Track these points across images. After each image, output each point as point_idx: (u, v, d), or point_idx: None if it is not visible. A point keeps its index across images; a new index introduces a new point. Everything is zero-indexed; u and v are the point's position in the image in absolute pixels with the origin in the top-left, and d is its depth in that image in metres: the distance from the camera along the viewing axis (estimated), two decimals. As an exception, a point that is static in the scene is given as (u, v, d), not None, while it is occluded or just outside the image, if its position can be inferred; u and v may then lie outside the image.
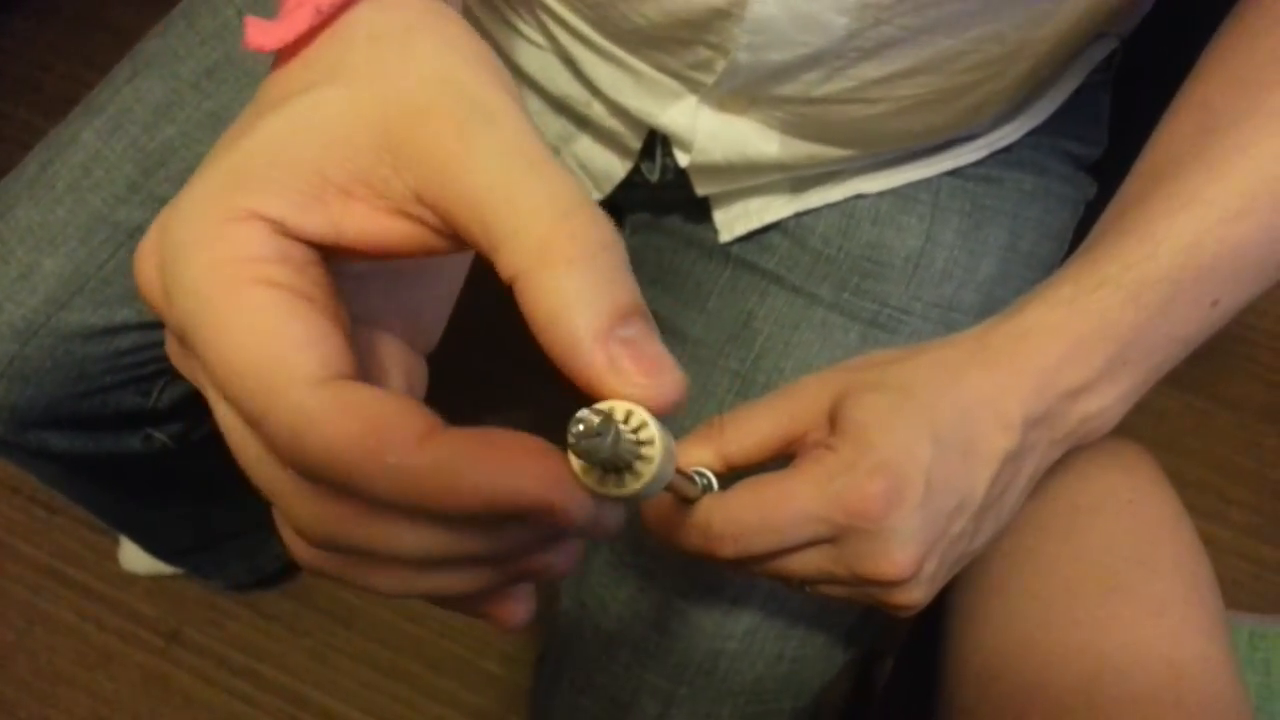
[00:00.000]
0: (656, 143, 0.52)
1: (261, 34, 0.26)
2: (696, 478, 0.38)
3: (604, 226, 0.21)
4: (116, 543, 1.06)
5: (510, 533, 0.22)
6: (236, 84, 0.56)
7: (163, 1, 0.59)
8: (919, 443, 0.36)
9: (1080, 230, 0.58)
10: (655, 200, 0.58)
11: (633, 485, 0.21)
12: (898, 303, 0.52)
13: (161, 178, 0.55)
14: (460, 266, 0.30)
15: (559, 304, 0.20)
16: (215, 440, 0.76)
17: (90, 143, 0.56)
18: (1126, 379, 0.38)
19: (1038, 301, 0.38)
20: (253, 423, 0.21)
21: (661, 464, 0.21)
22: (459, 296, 0.31)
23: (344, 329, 0.22)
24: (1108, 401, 0.38)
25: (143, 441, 0.66)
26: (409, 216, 0.22)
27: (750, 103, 0.47)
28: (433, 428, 0.20)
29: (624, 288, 0.21)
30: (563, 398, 0.21)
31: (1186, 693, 0.43)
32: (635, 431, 0.21)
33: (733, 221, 0.55)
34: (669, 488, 0.30)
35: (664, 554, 0.50)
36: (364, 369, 0.23)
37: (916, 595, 0.37)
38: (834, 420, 0.37)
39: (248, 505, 0.90)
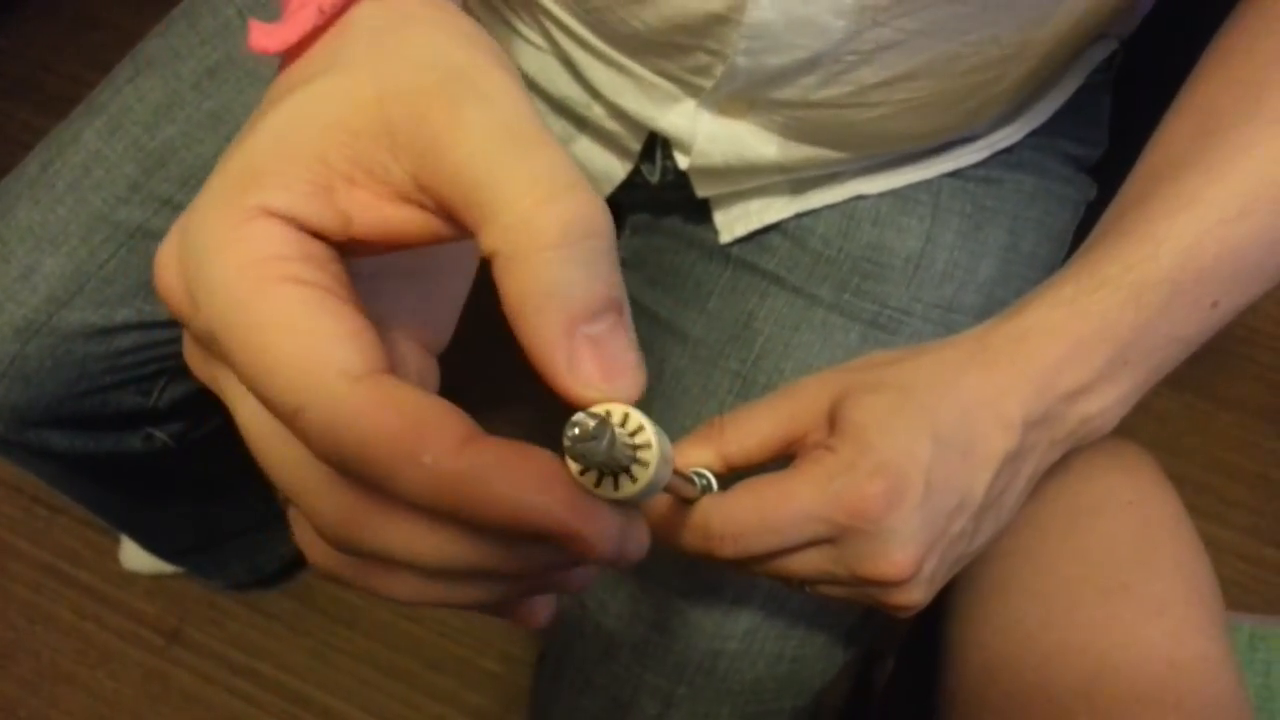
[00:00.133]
0: (656, 144, 0.52)
1: (265, 36, 0.26)
2: (696, 478, 0.38)
3: (589, 213, 0.20)
4: (117, 542, 1.06)
5: (531, 552, 0.22)
6: (237, 84, 0.56)
7: (163, 1, 0.59)
8: (919, 443, 0.36)
9: (1080, 231, 0.58)
10: (655, 201, 0.58)
11: (629, 489, 0.21)
12: (898, 304, 0.52)
13: (162, 178, 0.55)
14: (469, 265, 0.30)
15: (527, 293, 0.20)
16: (216, 440, 0.76)
17: (91, 142, 0.56)
18: (1126, 380, 0.38)
19: (1038, 302, 0.38)
20: (288, 418, 0.20)
21: (658, 467, 0.21)
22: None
23: (374, 326, 0.22)
24: (1108, 402, 0.38)
25: (143, 441, 0.66)
26: (412, 202, 0.22)
27: (749, 106, 0.47)
28: (472, 433, 0.20)
29: (599, 281, 0.20)
30: (551, 398, 0.21)
31: (1187, 693, 0.43)
32: (631, 435, 0.20)
33: (733, 222, 0.55)
34: (668, 489, 0.30)
35: (664, 554, 0.50)
36: None
37: (916, 595, 0.37)
38: (834, 421, 0.37)
39: (248, 505, 0.90)
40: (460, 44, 0.24)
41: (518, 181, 0.20)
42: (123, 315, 0.56)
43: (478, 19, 0.52)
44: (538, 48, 0.51)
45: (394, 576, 0.23)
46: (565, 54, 0.49)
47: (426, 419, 0.20)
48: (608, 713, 0.53)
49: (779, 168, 0.50)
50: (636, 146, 0.52)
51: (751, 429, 0.39)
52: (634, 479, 0.21)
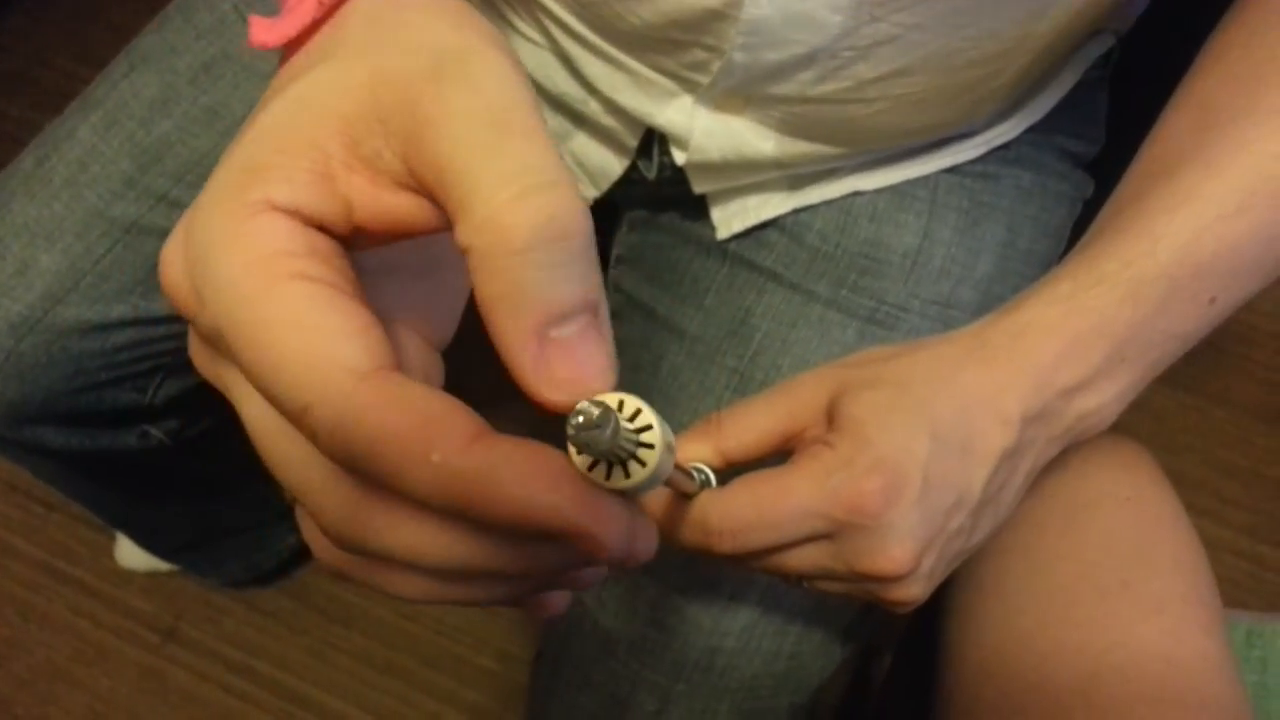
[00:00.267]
0: (653, 140, 0.52)
1: (265, 31, 0.25)
2: (695, 474, 0.38)
3: (562, 213, 0.20)
4: (113, 539, 1.06)
5: (539, 551, 0.22)
6: (233, 79, 0.56)
7: (159, -4, 0.59)
8: (916, 439, 0.36)
9: (1078, 227, 0.58)
10: (653, 197, 0.58)
11: (633, 478, 0.20)
12: (895, 300, 0.52)
13: (158, 173, 0.55)
14: None
15: (496, 293, 0.19)
16: (212, 437, 0.76)
17: (87, 138, 0.55)
18: (1124, 376, 0.38)
19: (1035, 298, 0.38)
20: (296, 416, 0.20)
21: (661, 456, 0.21)
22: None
23: (380, 323, 0.22)
24: (1105, 398, 0.38)
25: (139, 438, 0.66)
26: (409, 188, 0.22)
27: (746, 102, 0.47)
28: (481, 430, 0.20)
29: (569, 284, 0.20)
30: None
31: (1185, 690, 0.43)
32: (634, 424, 0.20)
33: (730, 218, 0.55)
34: (667, 483, 0.30)
35: (662, 551, 0.50)
36: None
37: (914, 591, 0.37)
38: (831, 417, 0.37)
39: (245, 502, 0.90)
40: (453, 26, 0.23)
41: (492, 176, 0.20)
42: (118, 311, 0.56)
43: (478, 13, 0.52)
44: (535, 43, 0.51)
45: (401, 574, 0.23)
46: (562, 50, 0.49)
47: (435, 416, 0.20)
48: (605, 710, 0.53)
49: (776, 163, 0.50)
50: (633, 142, 0.52)
51: (749, 424, 0.39)
52: (639, 466, 0.20)
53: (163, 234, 0.55)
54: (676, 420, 0.52)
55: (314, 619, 1.05)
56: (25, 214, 0.55)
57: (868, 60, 0.43)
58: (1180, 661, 0.44)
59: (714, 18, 0.41)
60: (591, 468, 0.20)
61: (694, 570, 0.51)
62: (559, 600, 0.26)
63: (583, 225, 0.20)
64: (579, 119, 0.54)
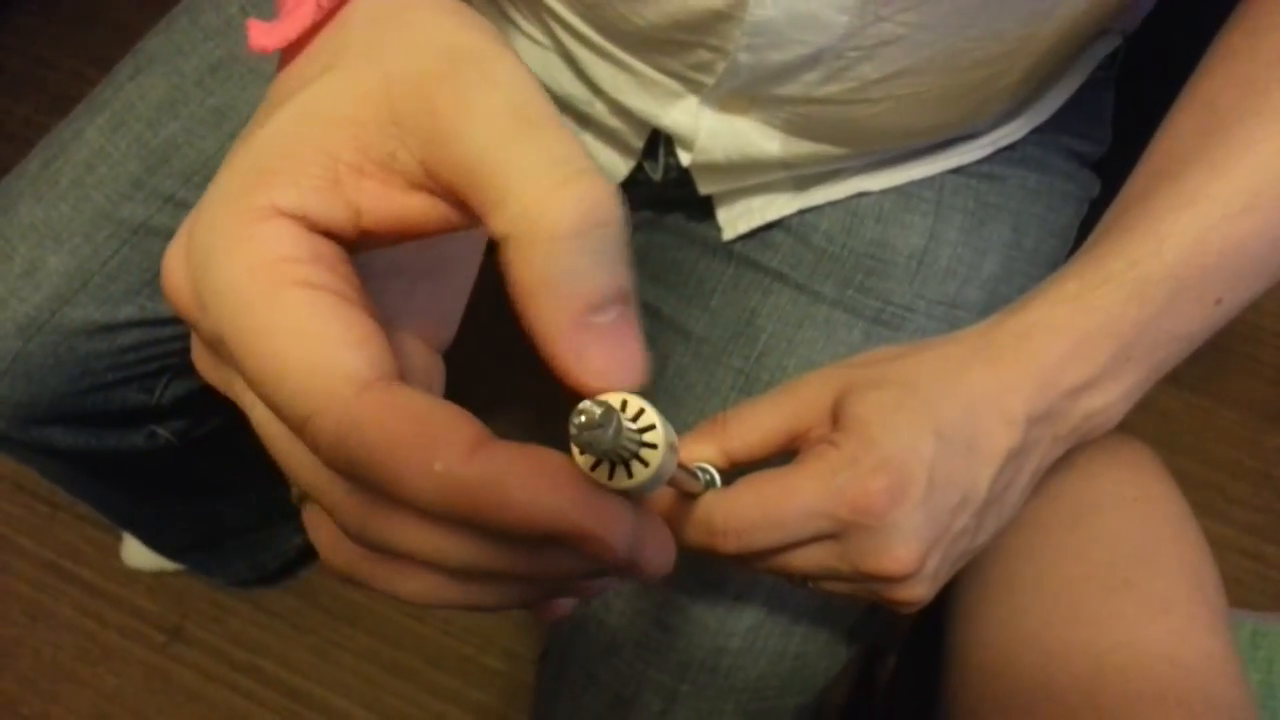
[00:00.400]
0: (659, 142, 0.52)
1: (264, 35, 0.25)
2: (699, 473, 0.38)
3: (602, 199, 0.20)
4: (119, 539, 1.07)
5: (548, 556, 0.22)
6: (240, 80, 0.56)
7: (166, -2, 0.59)
8: (922, 439, 0.36)
9: (1084, 228, 0.58)
10: (658, 198, 0.58)
11: (636, 477, 0.20)
12: (901, 300, 0.52)
13: (165, 174, 0.55)
14: (474, 261, 0.30)
15: (538, 280, 0.19)
16: (219, 438, 0.76)
17: (93, 139, 0.56)
18: (1130, 376, 0.38)
19: (1041, 298, 0.38)
20: (297, 426, 0.20)
21: (664, 455, 0.21)
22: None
23: (382, 329, 0.22)
24: (1111, 398, 0.38)
25: (146, 438, 0.66)
26: (422, 189, 0.22)
27: (751, 103, 0.47)
28: (483, 438, 0.20)
29: (609, 270, 0.20)
30: (554, 396, 0.21)
31: (1190, 690, 0.43)
32: (637, 423, 0.20)
33: (736, 219, 0.55)
34: (672, 482, 0.30)
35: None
36: None
37: (919, 591, 0.37)
38: (837, 417, 0.37)
39: (251, 503, 0.90)
40: (461, 27, 0.23)
41: (530, 166, 0.20)
42: (126, 312, 0.56)
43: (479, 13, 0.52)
44: (540, 44, 0.51)
45: (409, 577, 0.23)
46: (567, 51, 0.49)
47: (437, 425, 0.20)
48: (611, 710, 0.53)
49: (782, 164, 0.50)
50: (639, 144, 0.52)
51: (754, 424, 0.39)
52: (642, 466, 0.20)
53: (170, 235, 0.55)
54: (682, 421, 0.52)
55: (320, 619, 1.06)
56: (32, 215, 0.55)
57: (873, 61, 0.43)
58: (1185, 661, 0.44)
59: (718, 18, 0.41)
60: (594, 468, 0.20)
61: (699, 570, 0.51)
62: (565, 602, 0.26)
63: (618, 212, 0.20)
64: (584, 120, 0.54)
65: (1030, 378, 0.37)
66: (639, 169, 0.54)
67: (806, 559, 0.37)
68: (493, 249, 0.22)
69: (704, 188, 0.53)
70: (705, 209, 0.56)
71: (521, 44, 0.52)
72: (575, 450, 0.20)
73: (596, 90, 0.50)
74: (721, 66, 0.44)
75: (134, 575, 1.06)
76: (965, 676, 0.49)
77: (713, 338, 0.54)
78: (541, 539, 0.20)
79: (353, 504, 0.21)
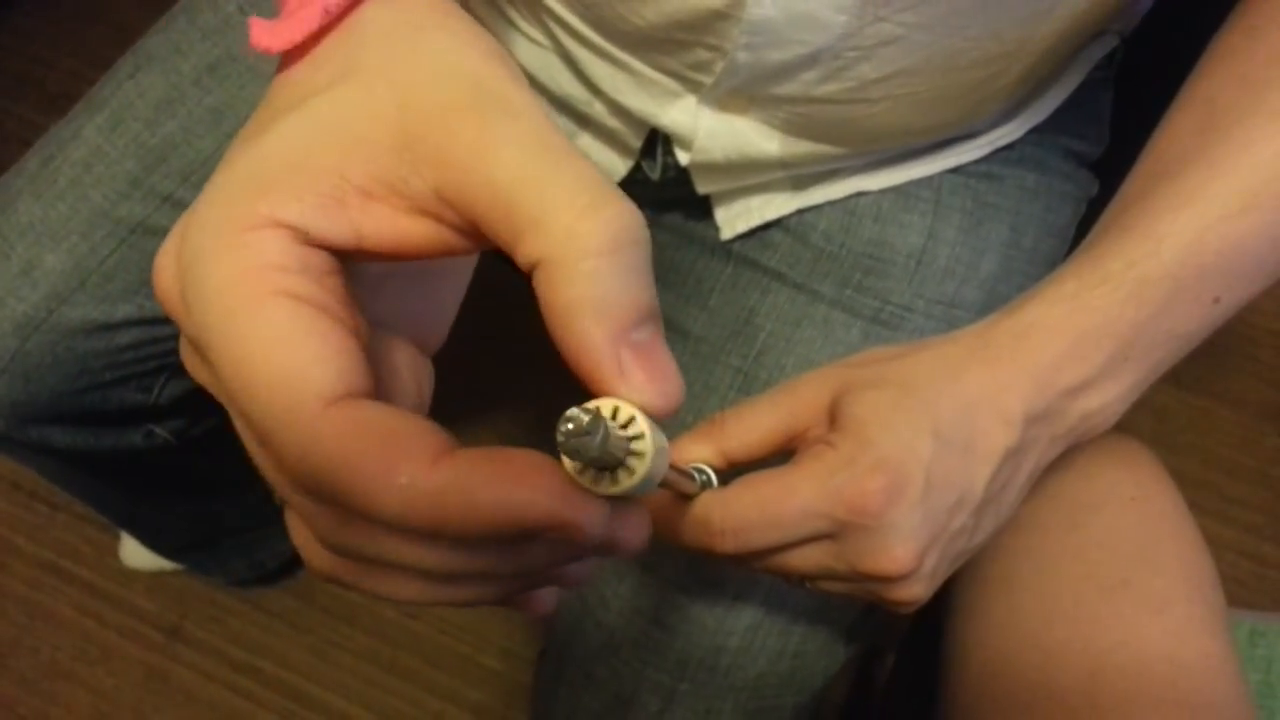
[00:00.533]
0: (657, 141, 0.52)
1: (267, 35, 0.25)
2: (696, 474, 0.38)
3: (632, 222, 0.21)
4: (117, 539, 1.07)
5: (527, 550, 0.22)
6: (239, 79, 0.56)
7: (164, -3, 0.59)
8: (919, 439, 0.36)
9: (1082, 227, 0.58)
10: (657, 198, 0.58)
11: (625, 483, 0.21)
12: (900, 300, 0.52)
13: (163, 173, 0.55)
14: (467, 266, 0.30)
15: (578, 299, 0.20)
16: (217, 437, 0.76)
17: (92, 138, 0.56)
18: (1127, 376, 0.38)
19: (1039, 298, 0.38)
20: (263, 439, 0.21)
21: (653, 460, 0.21)
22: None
23: (361, 341, 0.22)
24: (1108, 398, 0.38)
25: (144, 437, 0.66)
26: (429, 215, 0.22)
27: (750, 102, 0.47)
28: (446, 448, 0.20)
29: (643, 288, 0.21)
30: (554, 396, 0.21)
31: (1189, 690, 0.43)
32: (625, 429, 0.21)
33: (734, 219, 0.55)
34: (668, 484, 0.30)
35: (665, 550, 0.50)
36: (376, 373, 0.23)
37: (917, 591, 0.37)
38: (834, 416, 0.37)
39: (249, 502, 0.90)
40: (477, 55, 0.24)
41: (560, 191, 0.20)
42: (123, 311, 0.56)
43: (477, 15, 0.52)
44: (538, 44, 0.51)
45: (391, 578, 0.23)
46: (566, 50, 0.49)
47: (400, 439, 0.20)
48: (609, 709, 0.53)
49: (780, 164, 0.50)
50: (637, 143, 0.52)
51: (752, 424, 0.39)
52: (630, 473, 0.21)
53: (168, 234, 0.55)
54: (680, 420, 0.52)
55: (318, 618, 1.06)
56: (30, 214, 0.55)
57: (871, 60, 0.43)
58: (1184, 661, 0.44)
59: (717, 18, 0.41)
60: (582, 473, 0.21)
61: (697, 569, 0.51)
62: (547, 598, 0.26)
63: (646, 233, 0.21)
64: (583, 120, 0.54)
65: (1028, 377, 0.37)
66: (637, 169, 0.54)
67: (804, 559, 0.37)
68: (485, 255, 0.22)
69: (702, 187, 0.53)
70: (703, 208, 0.56)
71: (520, 44, 0.52)
72: (564, 457, 0.20)
73: (595, 90, 0.50)
74: (720, 66, 0.44)
75: (132, 575, 1.06)
76: (964, 676, 0.49)
77: (711, 337, 0.54)
78: (515, 536, 0.20)
79: (324, 514, 0.21)
